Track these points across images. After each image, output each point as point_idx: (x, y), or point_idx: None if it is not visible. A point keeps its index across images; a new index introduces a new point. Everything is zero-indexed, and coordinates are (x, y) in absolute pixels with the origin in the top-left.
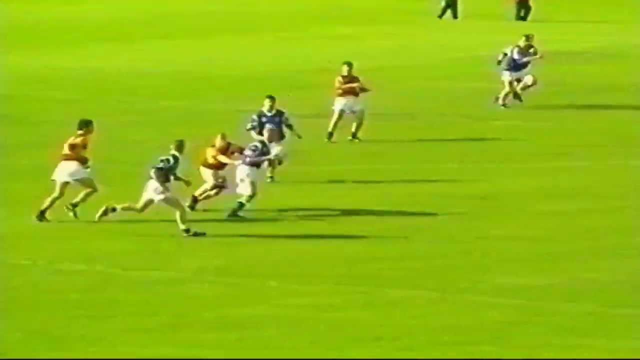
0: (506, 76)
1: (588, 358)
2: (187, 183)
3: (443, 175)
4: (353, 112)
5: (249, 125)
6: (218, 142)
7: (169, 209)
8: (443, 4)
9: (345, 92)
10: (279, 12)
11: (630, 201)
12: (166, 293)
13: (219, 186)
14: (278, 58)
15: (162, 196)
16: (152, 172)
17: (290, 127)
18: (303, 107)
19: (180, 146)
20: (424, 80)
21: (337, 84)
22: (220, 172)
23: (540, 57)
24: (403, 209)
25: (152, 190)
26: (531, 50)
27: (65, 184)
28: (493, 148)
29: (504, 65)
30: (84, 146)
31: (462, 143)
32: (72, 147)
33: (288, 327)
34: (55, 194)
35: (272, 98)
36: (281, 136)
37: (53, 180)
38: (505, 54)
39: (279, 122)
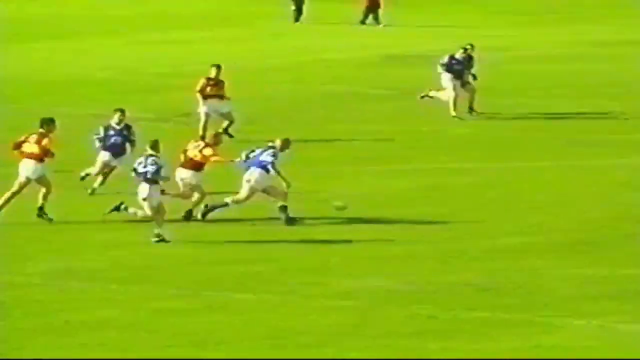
0: (448, 82)
1: (426, 359)
2: (168, 179)
3: (289, 179)
4: (221, 114)
5: (94, 136)
6: (212, 140)
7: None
8: (293, 7)
9: (210, 95)
10: (124, 16)
11: (464, 204)
12: (11, 298)
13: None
14: (121, 62)
15: (153, 198)
16: (148, 177)
17: (132, 142)
18: (144, 111)
19: (155, 146)
20: (267, 84)
21: (200, 86)
22: (200, 174)
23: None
24: (247, 213)
25: (146, 193)
26: (471, 63)
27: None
28: (339, 151)
29: (442, 70)
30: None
31: (308, 146)
32: (44, 148)
33: (132, 331)
34: (43, 189)
35: (122, 111)
36: (123, 150)
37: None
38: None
39: (126, 135)
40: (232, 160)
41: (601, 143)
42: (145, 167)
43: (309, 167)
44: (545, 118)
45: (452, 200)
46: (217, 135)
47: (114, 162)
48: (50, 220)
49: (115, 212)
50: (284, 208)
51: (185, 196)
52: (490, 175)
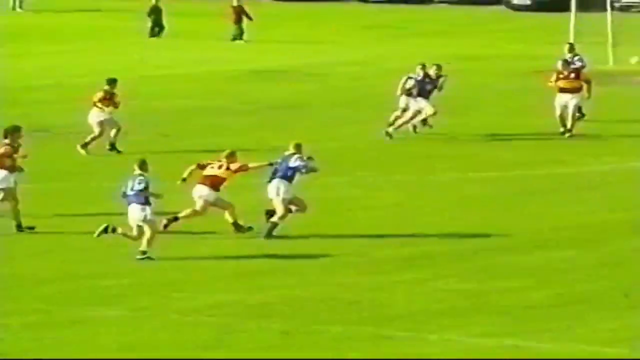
0: (413, 103)
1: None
2: (160, 196)
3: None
4: (110, 124)
5: None
6: (226, 157)
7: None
8: (149, 23)
9: (106, 106)
10: None
11: (318, 218)
12: None
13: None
14: None
15: (150, 218)
16: (137, 196)
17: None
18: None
19: (143, 165)
20: (126, 99)
21: (97, 97)
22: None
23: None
24: (96, 226)
25: (137, 214)
26: (441, 80)
27: None
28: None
29: (414, 92)
30: (9, 155)
31: (166, 159)
32: None
33: None
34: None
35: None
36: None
37: None
38: (410, 78)
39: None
40: (270, 164)
41: (450, 158)
42: (132, 188)
43: (167, 181)
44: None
45: (305, 214)
46: (233, 154)
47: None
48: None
49: (103, 234)
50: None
51: (201, 213)
52: (343, 189)
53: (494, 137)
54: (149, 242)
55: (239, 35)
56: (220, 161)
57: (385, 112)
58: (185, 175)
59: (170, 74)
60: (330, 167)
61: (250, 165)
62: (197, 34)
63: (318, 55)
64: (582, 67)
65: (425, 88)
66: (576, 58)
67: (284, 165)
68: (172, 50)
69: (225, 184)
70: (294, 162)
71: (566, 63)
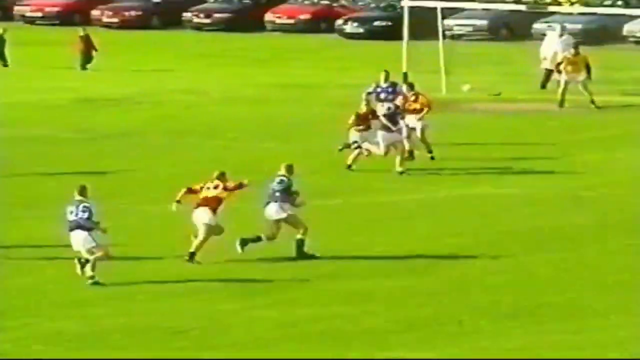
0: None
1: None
2: (102, 229)
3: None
4: None
5: None
6: (218, 178)
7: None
8: None
9: None
10: None
11: (154, 244)
12: None
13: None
14: None
15: (93, 244)
16: (79, 222)
17: None
18: None
19: (83, 191)
20: None
21: None
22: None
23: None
24: None
25: (82, 240)
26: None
27: None
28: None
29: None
30: None
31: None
32: None
33: None
34: None
35: None
36: None
37: None
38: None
39: None
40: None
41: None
42: (76, 214)
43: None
44: (244, 158)
45: (146, 240)
46: (224, 175)
47: None
48: None
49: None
50: (301, 242)
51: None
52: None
53: (317, 165)
54: (93, 265)
55: (86, 64)
56: (212, 182)
57: (219, 139)
58: (178, 197)
59: (6, 103)
60: (162, 194)
61: (245, 182)
62: (40, 62)
63: (152, 83)
64: (396, 94)
65: (396, 115)
66: (389, 86)
67: (272, 187)
68: (12, 79)
69: (222, 205)
70: (276, 185)
71: (410, 86)
